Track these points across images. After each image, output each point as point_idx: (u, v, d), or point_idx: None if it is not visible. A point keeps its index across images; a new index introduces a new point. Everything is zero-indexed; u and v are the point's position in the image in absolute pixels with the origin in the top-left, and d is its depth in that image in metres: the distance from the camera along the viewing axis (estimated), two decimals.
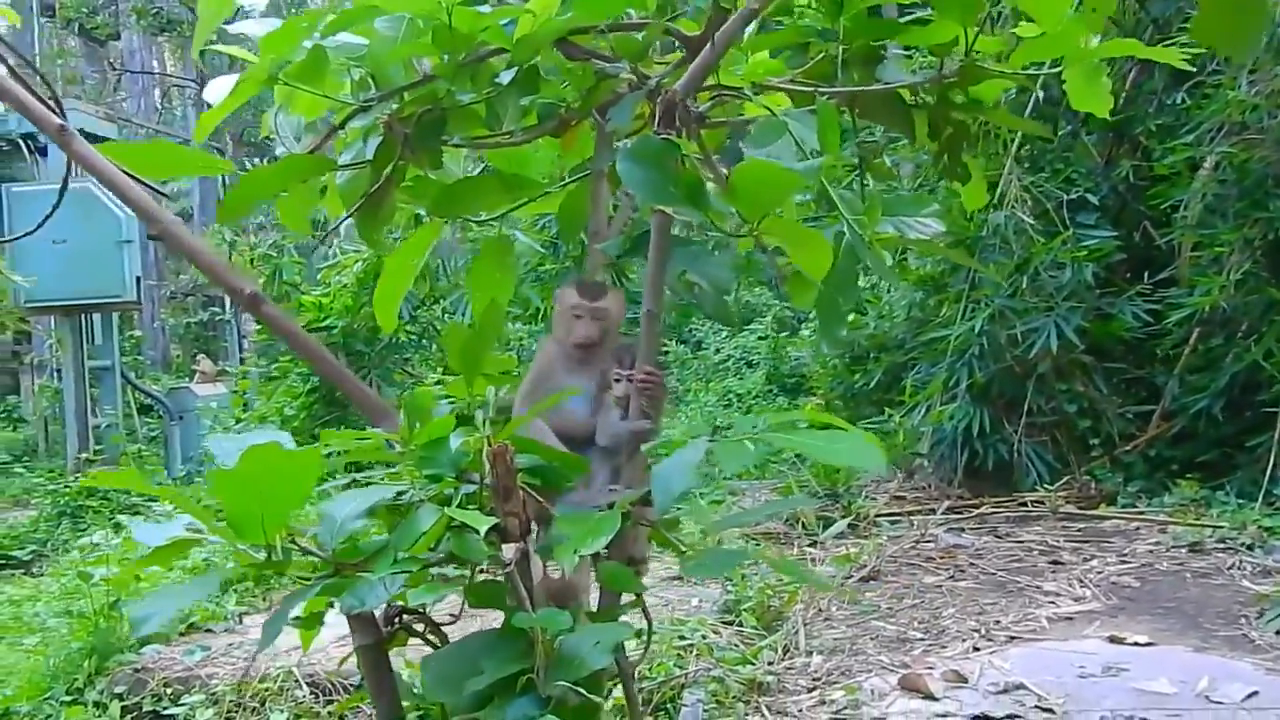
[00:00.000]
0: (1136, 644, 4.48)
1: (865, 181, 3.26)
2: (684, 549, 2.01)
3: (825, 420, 1.90)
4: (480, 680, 1.73)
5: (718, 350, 17.29)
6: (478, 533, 1.71)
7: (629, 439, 2.08)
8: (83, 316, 13.55)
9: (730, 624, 4.73)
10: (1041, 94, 7.51)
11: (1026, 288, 7.88)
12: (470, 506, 1.82)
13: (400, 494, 1.85)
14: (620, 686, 2.20)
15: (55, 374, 16.83)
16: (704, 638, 4.43)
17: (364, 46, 2.43)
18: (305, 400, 9.28)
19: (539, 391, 2.26)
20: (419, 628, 2.15)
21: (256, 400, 11.83)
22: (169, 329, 23.51)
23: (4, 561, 9.56)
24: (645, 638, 2.22)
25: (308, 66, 2.36)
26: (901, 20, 2.54)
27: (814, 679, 4.30)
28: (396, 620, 2.17)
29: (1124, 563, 5.95)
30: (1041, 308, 7.79)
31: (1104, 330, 7.93)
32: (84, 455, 12.50)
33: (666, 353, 17.40)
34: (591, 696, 1.71)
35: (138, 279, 13.10)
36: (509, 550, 1.80)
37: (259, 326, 14.42)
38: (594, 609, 2.11)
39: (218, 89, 2.62)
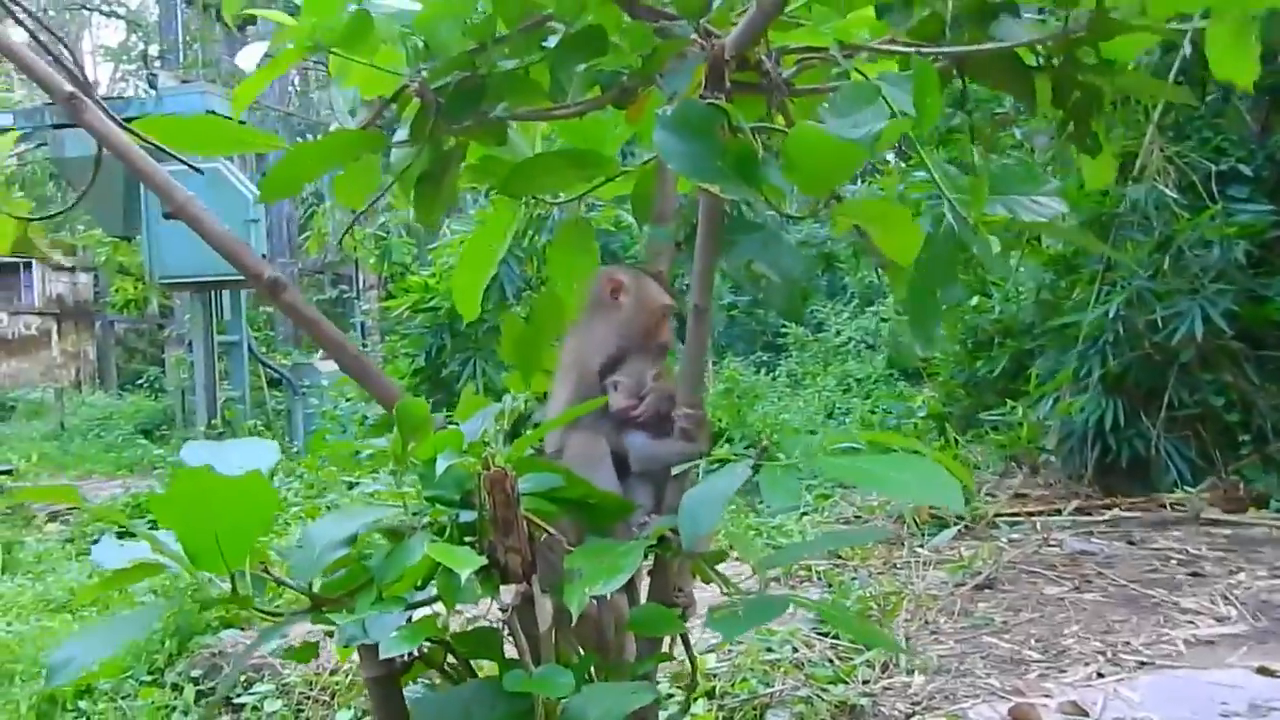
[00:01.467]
0: None
1: (976, 155, 2.86)
2: (729, 585, 1.71)
3: (890, 441, 1.57)
4: None
5: (838, 332, 16.81)
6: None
7: (664, 461, 1.79)
8: (212, 293, 13.96)
9: (825, 636, 4.38)
10: (1190, 50, 6.84)
11: (1169, 268, 7.25)
12: (468, 539, 1.55)
13: (379, 519, 1.59)
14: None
15: (190, 347, 17.43)
16: (794, 651, 4.10)
17: (414, 13, 2.21)
18: (410, 381, 9.27)
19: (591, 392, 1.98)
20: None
21: None
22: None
23: (125, 531, 9.81)
24: (688, 688, 1.93)
25: (351, 31, 2.14)
26: None
27: (913, 703, 3.93)
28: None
29: (1276, 578, 5.34)
30: (1185, 290, 7.16)
31: (1257, 314, 7.23)
32: (212, 426, 12.88)
33: (785, 333, 17.00)
34: None
35: (264, 256, 13.36)
36: (507, 593, 1.53)
37: (380, 305, 14.63)
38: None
39: (251, 55, 2.43)
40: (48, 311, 25.09)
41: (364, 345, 15.79)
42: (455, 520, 1.61)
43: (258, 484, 1.40)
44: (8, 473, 10.45)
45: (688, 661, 1.98)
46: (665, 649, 1.89)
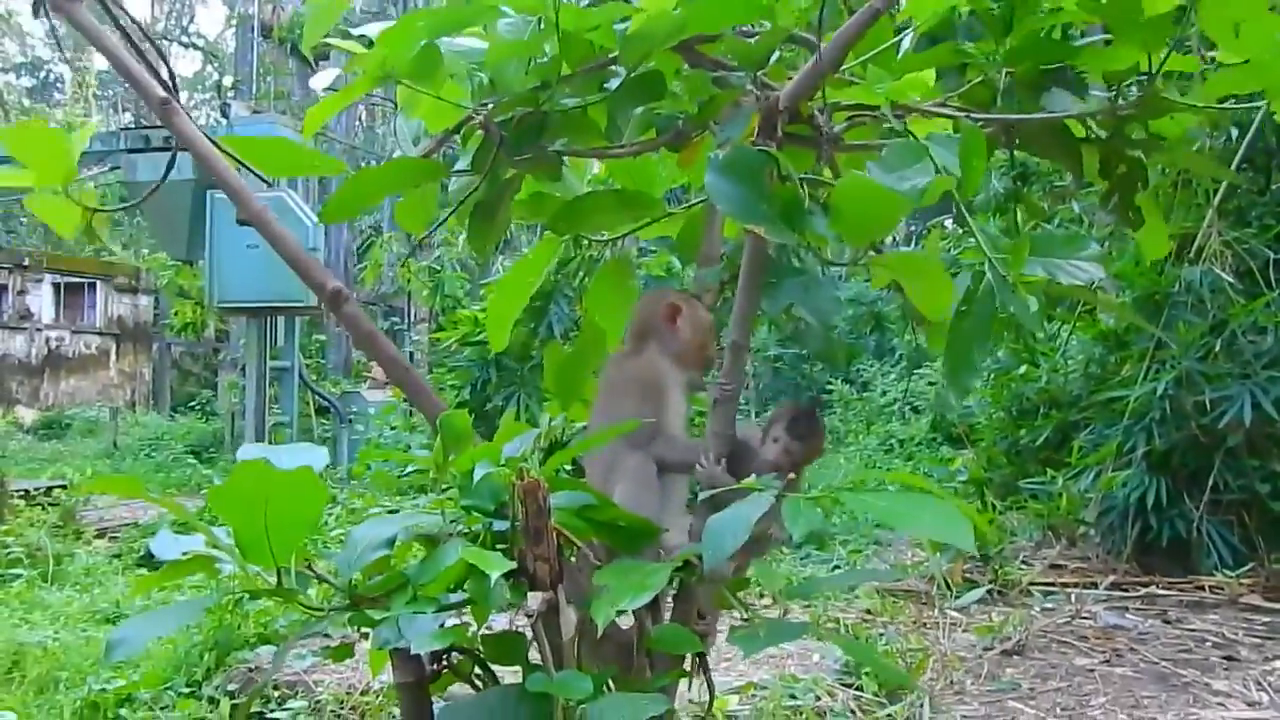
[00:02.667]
0: None
1: (1019, 217, 2.96)
2: (748, 610, 1.78)
3: (916, 483, 1.64)
4: None
5: (884, 393, 16.76)
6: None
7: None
8: (267, 319, 14.25)
9: (849, 687, 4.39)
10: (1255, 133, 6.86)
11: (1220, 351, 7.19)
12: (499, 547, 1.64)
13: (418, 524, 1.68)
14: None
15: (243, 371, 17.78)
16: (817, 699, 4.11)
17: (484, 51, 2.34)
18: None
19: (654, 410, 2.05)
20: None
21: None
22: (350, 336, 24.45)
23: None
24: (706, 709, 1.99)
25: (419, 64, 2.27)
26: (1077, 44, 2.26)
27: None
28: (444, 658, 2.00)
29: None
30: (1237, 374, 7.08)
31: None
32: None
33: (830, 391, 16.98)
34: None
35: None
36: (534, 600, 1.61)
37: (431, 336, 14.87)
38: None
39: (324, 79, 2.56)
40: (108, 331, 25.68)
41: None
42: (489, 528, 1.69)
43: (309, 479, 1.49)
44: (62, 487, 10.70)
45: (707, 694, 2.05)
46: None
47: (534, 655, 1.77)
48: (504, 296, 2.75)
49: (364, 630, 1.86)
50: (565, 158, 2.48)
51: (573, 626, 1.70)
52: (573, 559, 1.78)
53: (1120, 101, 2.24)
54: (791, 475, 1.68)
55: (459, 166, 2.43)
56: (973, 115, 2.17)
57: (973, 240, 2.01)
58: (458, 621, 1.68)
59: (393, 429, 11.11)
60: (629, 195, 2.52)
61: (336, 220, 2.30)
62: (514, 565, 1.58)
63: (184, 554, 1.66)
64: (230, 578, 1.66)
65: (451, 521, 1.71)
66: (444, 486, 1.77)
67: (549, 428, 2.25)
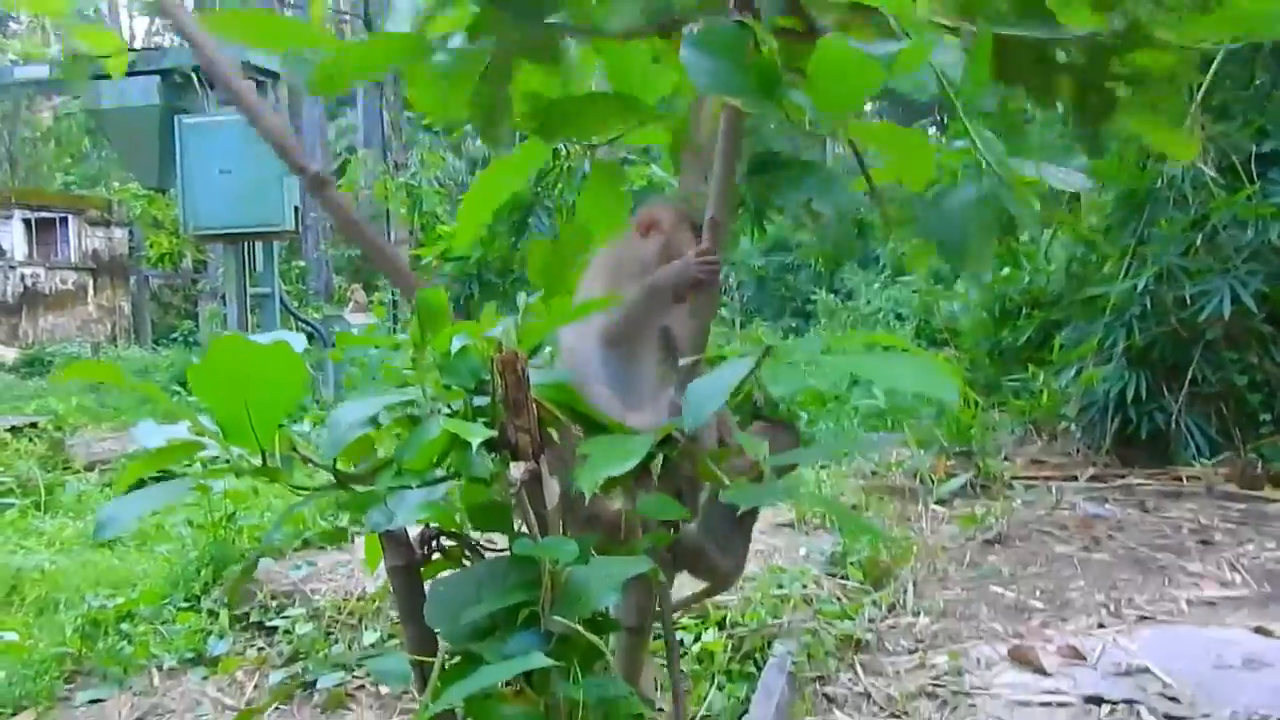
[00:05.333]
0: None
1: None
2: (727, 481, 1.82)
3: (897, 344, 1.66)
4: (478, 610, 1.57)
5: (868, 301, 16.80)
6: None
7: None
8: (245, 245, 14.10)
9: (834, 576, 4.49)
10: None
11: (1201, 246, 7.24)
12: (481, 421, 1.66)
13: (409, 403, 1.70)
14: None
15: (224, 300, 17.65)
16: (804, 588, 4.21)
17: None
18: None
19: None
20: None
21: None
22: (331, 260, 24.30)
23: (163, 475, 10.01)
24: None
25: None
26: None
27: (917, 640, 4.04)
28: (434, 542, 2.04)
29: None
30: (1217, 269, 7.14)
31: None
32: None
33: (814, 300, 17.02)
34: (590, 636, 1.54)
35: (297, 209, 13.52)
36: (517, 470, 1.63)
37: (412, 254, 14.78)
38: None
39: None
40: (84, 266, 25.39)
41: (393, 296, 15.87)
42: (469, 404, 1.70)
43: (287, 355, 1.50)
44: (50, 419, 10.65)
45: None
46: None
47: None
48: (479, 196, 2.68)
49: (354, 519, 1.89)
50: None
51: (556, 497, 1.73)
52: (555, 432, 1.81)
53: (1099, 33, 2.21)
54: (770, 344, 1.70)
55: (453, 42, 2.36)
56: (964, 28, 2.14)
57: (958, 143, 2.01)
58: (445, 501, 1.71)
59: (377, 349, 11.08)
60: (621, 98, 2.45)
61: (325, 91, 2.25)
62: (494, 434, 1.60)
63: (168, 440, 1.67)
64: (214, 471, 1.66)
65: (432, 399, 1.72)
66: (419, 360, 1.78)
67: (526, 305, 2.24)
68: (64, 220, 25.04)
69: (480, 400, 1.71)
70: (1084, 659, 3.77)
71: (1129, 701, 3.40)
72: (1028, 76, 2.31)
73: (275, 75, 12.90)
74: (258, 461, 1.65)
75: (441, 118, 2.46)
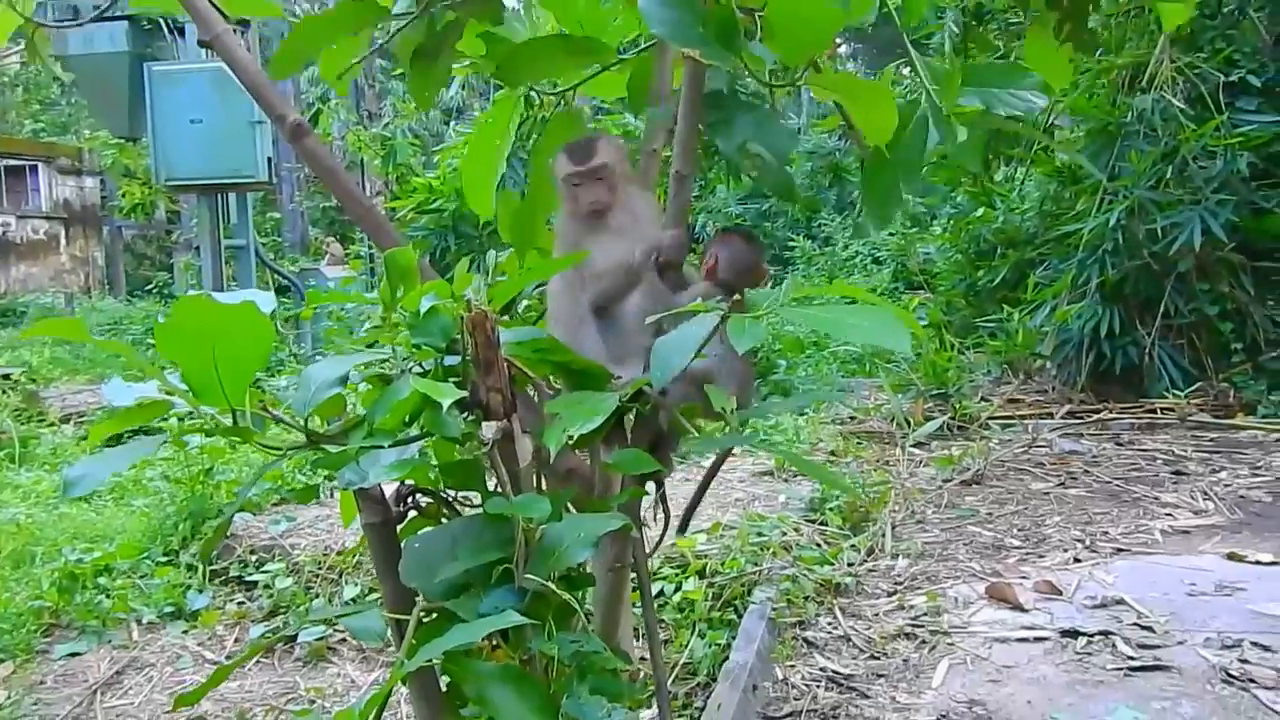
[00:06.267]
0: (1258, 563, 4.10)
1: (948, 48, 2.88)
2: (694, 432, 1.82)
3: (857, 294, 1.66)
4: (454, 567, 1.58)
5: (846, 246, 16.76)
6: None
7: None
8: (219, 196, 13.92)
9: (813, 523, 4.53)
10: None
11: (1171, 179, 7.27)
12: (452, 380, 1.65)
13: (381, 362, 1.69)
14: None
15: (198, 252, 17.45)
16: (783, 535, 4.25)
17: None
18: None
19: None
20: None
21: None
22: (306, 213, 24.07)
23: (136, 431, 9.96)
24: (661, 532, 2.06)
25: None
26: None
27: (896, 583, 4.09)
28: (409, 499, 2.04)
29: (1256, 476, 5.49)
30: (1187, 201, 7.17)
31: (1256, 226, 7.26)
32: None
33: (793, 248, 16.98)
34: (563, 594, 1.55)
35: (270, 160, 13.34)
36: (489, 429, 1.63)
37: (386, 205, 14.63)
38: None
39: None
40: (55, 216, 25.00)
41: (369, 249, 15.77)
42: (440, 364, 1.70)
43: (253, 314, 1.48)
44: (24, 371, 10.57)
45: (678, 546, 2.11)
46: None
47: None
48: (474, 163, 2.67)
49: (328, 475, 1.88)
50: (516, 7, 2.40)
51: (529, 455, 1.73)
52: (529, 390, 1.81)
53: None
54: (737, 297, 1.69)
55: (399, 8, 2.35)
56: None
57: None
58: (418, 459, 1.70)
59: (353, 304, 11.01)
60: (577, 40, 2.43)
61: (284, 75, 2.22)
62: (465, 394, 1.60)
63: (138, 399, 1.66)
64: (184, 428, 1.65)
65: (403, 359, 1.71)
66: (390, 319, 1.77)
67: (497, 263, 2.23)
68: (34, 169, 24.57)
69: (452, 359, 1.70)
70: (1060, 593, 3.83)
71: (1104, 633, 3.46)
72: None
73: (246, 23, 12.64)
74: (228, 421, 1.64)
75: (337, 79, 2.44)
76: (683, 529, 2.27)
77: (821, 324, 1.51)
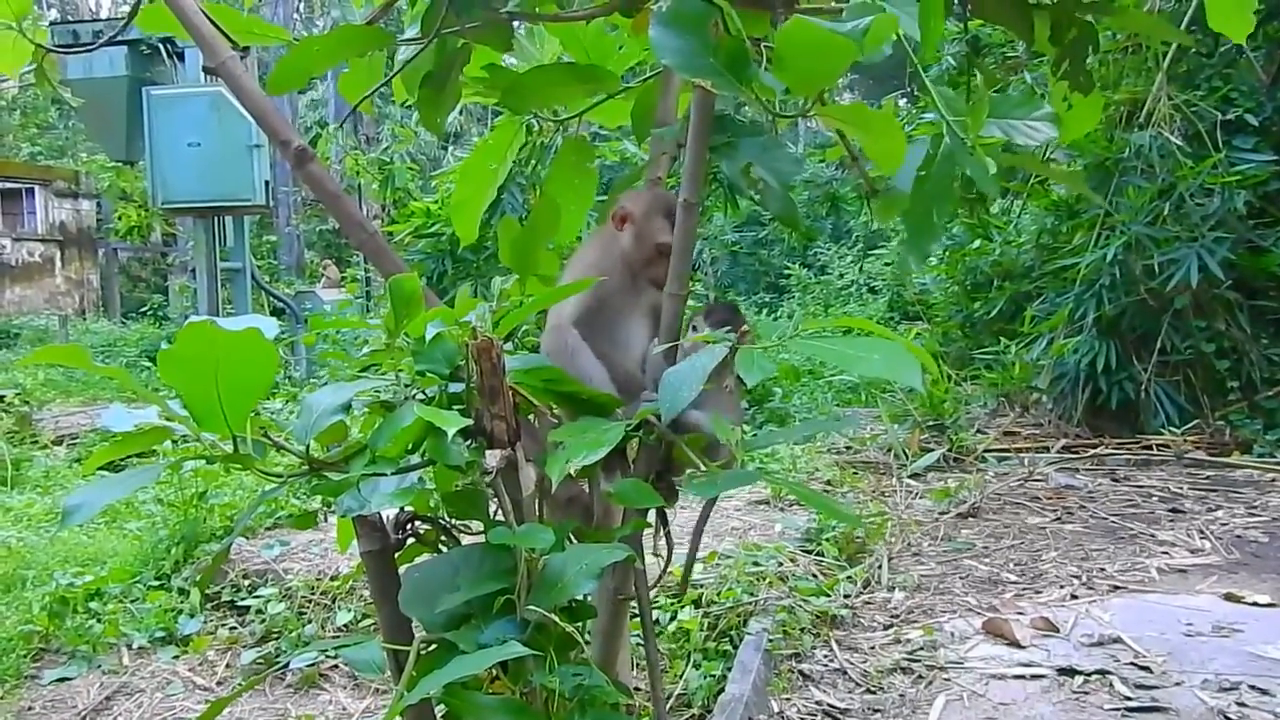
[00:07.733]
0: (1256, 604, 4.08)
1: (972, 80, 2.94)
2: (702, 466, 1.81)
3: (866, 327, 1.66)
4: (455, 597, 1.56)
5: (841, 275, 16.83)
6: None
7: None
8: (215, 219, 13.94)
9: (809, 553, 4.51)
10: None
11: (1169, 215, 7.29)
12: (456, 408, 1.64)
13: (374, 388, 1.68)
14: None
15: (194, 274, 17.45)
16: (779, 565, 4.22)
17: None
18: None
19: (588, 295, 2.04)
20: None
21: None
22: (303, 236, 24.11)
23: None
24: (663, 563, 2.04)
25: None
26: None
27: (892, 616, 4.07)
28: (408, 526, 2.02)
29: (1253, 515, 5.47)
30: (1185, 237, 7.20)
31: (1253, 264, 7.29)
32: None
33: (789, 274, 17.03)
34: (566, 625, 1.53)
35: (267, 183, 13.37)
36: (493, 457, 1.62)
37: (384, 230, 14.64)
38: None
39: None
40: (51, 238, 25.00)
41: (366, 272, 15.80)
42: (444, 390, 1.68)
43: (257, 341, 1.47)
44: (18, 393, 10.53)
45: (676, 571, 2.09)
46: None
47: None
48: (466, 184, 2.68)
49: (325, 500, 1.87)
50: (519, 31, 2.40)
51: (532, 484, 1.72)
52: (532, 418, 1.79)
53: None
54: (745, 328, 1.69)
55: (408, 34, 2.36)
56: None
57: (928, 115, 1.99)
58: (419, 486, 1.69)
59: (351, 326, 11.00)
60: (582, 68, 2.44)
61: (282, 90, 2.22)
62: (470, 422, 1.59)
63: (137, 425, 1.64)
64: (183, 454, 1.64)
65: (406, 386, 1.70)
66: (394, 345, 1.76)
67: (501, 290, 2.22)
68: (30, 191, 24.62)
69: (456, 387, 1.69)
70: (1057, 630, 3.81)
71: (1101, 672, 3.43)
72: (1007, 17, 2.32)
73: (246, 49, 12.73)
74: (229, 448, 1.62)
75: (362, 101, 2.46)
76: (683, 589, 2.25)
77: (833, 357, 1.50)
